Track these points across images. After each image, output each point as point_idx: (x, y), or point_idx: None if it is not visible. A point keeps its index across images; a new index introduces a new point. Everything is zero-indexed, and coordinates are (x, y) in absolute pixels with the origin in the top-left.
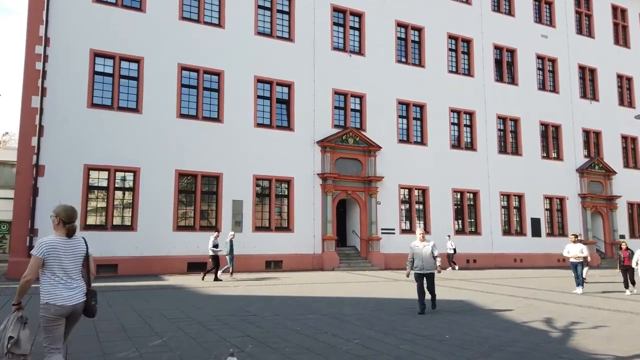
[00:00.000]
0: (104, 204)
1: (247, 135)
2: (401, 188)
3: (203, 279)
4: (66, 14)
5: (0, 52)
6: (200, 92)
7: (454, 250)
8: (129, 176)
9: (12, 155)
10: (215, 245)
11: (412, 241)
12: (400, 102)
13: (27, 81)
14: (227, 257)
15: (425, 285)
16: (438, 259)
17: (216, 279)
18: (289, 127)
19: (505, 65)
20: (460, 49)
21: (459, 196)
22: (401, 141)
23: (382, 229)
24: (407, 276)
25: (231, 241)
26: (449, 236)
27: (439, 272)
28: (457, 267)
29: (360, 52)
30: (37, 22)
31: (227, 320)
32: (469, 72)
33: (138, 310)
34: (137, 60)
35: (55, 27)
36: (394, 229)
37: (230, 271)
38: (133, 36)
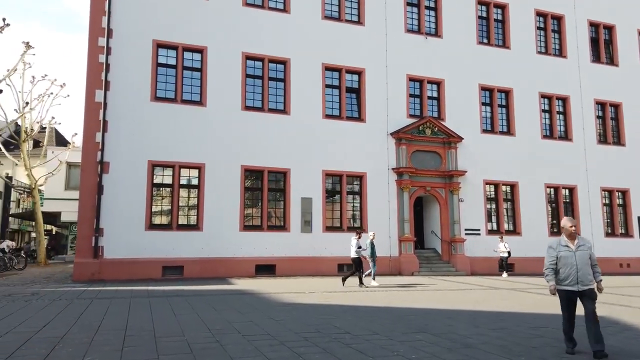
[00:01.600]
0: (168, 203)
1: (316, 127)
2: (486, 184)
3: (344, 283)
4: (129, 3)
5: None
6: (266, 82)
7: (509, 253)
8: (194, 173)
9: None
10: (359, 247)
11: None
12: (483, 88)
13: (90, 75)
14: (370, 260)
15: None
16: (598, 269)
17: (361, 283)
18: (359, 118)
19: (602, 44)
20: (550, 27)
21: (552, 192)
22: (485, 131)
23: (466, 230)
24: (553, 293)
25: (372, 242)
26: (502, 237)
27: (600, 290)
28: (505, 274)
29: (436, 33)
30: (99, 13)
31: (315, 339)
32: (560, 53)
33: (207, 322)
34: (201, 50)
35: (117, 18)
36: (479, 230)
37: (373, 275)
38: (196, 24)
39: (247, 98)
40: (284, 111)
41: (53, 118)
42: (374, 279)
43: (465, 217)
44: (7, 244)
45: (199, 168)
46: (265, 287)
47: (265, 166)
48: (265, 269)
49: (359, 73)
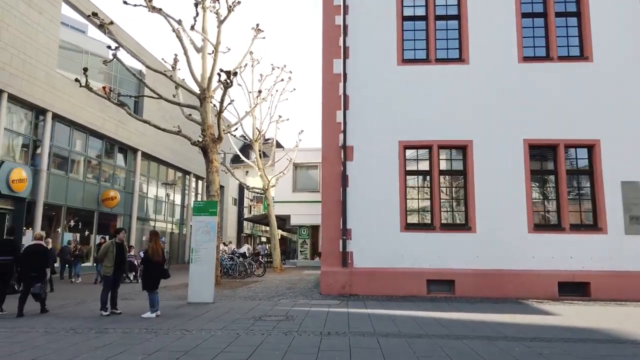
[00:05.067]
0: (427, 195)
1: (630, 76)
2: None
3: None
4: None
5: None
6: (551, 19)
7: None
8: (457, 154)
9: (308, 156)
10: None
11: None
12: None
13: (326, 42)
14: None
15: None
16: None
17: None
18: None
19: None
20: None
21: None
22: None
23: None
24: None
25: None
26: None
27: None
28: None
29: None
30: None
31: None
32: None
33: None
34: None
35: None
36: None
37: None
38: None
39: (524, 45)
40: (582, 57)
41: (280, 117)
42: None
43: None
44: (247, 248)
45: (464, 147)
46: (619, 324)
47: (560, 138)
48: (573, 288)
49: None
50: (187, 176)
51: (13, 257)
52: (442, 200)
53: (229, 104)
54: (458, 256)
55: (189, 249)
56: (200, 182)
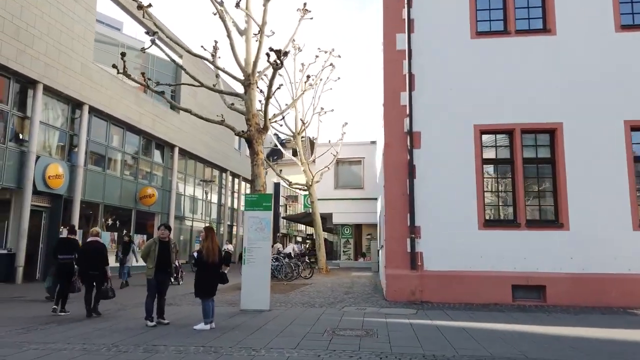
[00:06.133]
0: (508, 187)
1: None
2: None
3: None
4: None
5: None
6: None
7: None
8: (543, 139)
9: (350, 151)
10: None
11: None
12: None
13: (388, 14)
14: None
15: None
16: None
17: None
18: None
19: None
20: None
21: None
22: None
23: None
24: None
25: None
26: None
27: None
28: None
29: None
30: None
31: None
32: None
33: None
34: None
35: None
36: None
37: None
38: None
39: (622, 12)
40: None
41: (322, 109)
42: None
43: None
44: (293, 248)
45: (552, 131)
46: None
47: None
48: None
49: None
50: (224, 174)
51: (73, 256)
52: (527, 193)
53: (278, 88)
54: (548, 258)
55: (224, 249)
56: (236, 180)
